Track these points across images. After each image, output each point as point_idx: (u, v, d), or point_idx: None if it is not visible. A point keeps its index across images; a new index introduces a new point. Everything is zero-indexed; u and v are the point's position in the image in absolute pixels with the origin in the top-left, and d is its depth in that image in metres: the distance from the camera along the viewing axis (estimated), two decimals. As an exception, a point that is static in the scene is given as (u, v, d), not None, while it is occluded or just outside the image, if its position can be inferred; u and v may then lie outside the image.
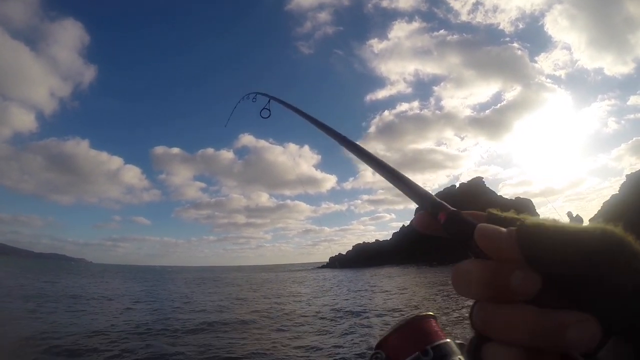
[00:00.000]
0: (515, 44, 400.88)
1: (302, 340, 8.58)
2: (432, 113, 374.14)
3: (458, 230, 0.30)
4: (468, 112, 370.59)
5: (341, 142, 0.55)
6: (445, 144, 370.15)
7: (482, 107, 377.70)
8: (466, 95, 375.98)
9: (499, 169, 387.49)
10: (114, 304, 16.07)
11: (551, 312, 0.25)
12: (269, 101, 1.16)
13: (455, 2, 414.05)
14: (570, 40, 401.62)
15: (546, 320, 0.24)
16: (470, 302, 0.29)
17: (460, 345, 0.64)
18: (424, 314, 0.66)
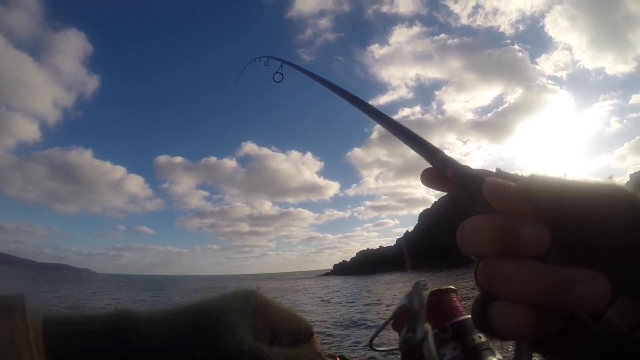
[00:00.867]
0: (515, 46, 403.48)
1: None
2: (434, 117, 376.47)
3: (466, 185, 0.31)
4: (470, 116, 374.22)
5: (354, 102, 0.59)
6: (448, 148, 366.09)
7: (484, 110, 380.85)
8: (468, 99, 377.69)
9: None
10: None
11: (561, 268, 0.24)
12: (281, 65, 1.15)
13: (455, 5, 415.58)
14: (570, 41, 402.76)
15: (555, 276, 0.23)
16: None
17: None
18: (444, 287, 0.61)
